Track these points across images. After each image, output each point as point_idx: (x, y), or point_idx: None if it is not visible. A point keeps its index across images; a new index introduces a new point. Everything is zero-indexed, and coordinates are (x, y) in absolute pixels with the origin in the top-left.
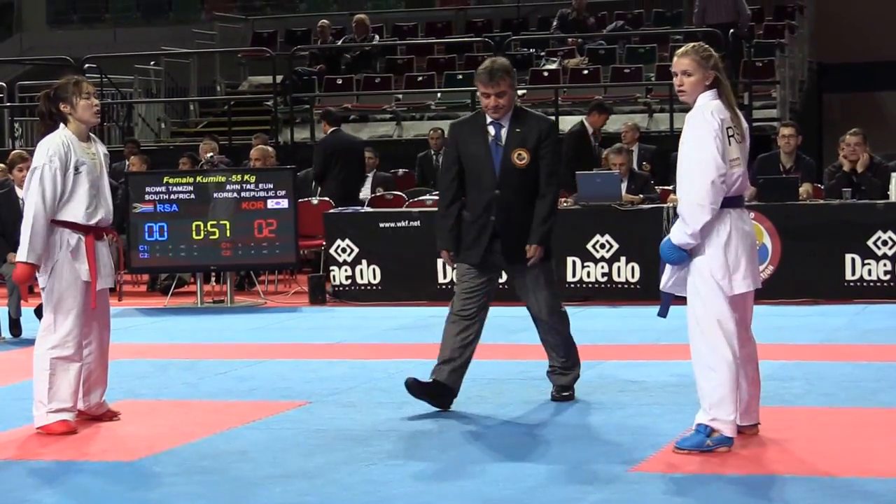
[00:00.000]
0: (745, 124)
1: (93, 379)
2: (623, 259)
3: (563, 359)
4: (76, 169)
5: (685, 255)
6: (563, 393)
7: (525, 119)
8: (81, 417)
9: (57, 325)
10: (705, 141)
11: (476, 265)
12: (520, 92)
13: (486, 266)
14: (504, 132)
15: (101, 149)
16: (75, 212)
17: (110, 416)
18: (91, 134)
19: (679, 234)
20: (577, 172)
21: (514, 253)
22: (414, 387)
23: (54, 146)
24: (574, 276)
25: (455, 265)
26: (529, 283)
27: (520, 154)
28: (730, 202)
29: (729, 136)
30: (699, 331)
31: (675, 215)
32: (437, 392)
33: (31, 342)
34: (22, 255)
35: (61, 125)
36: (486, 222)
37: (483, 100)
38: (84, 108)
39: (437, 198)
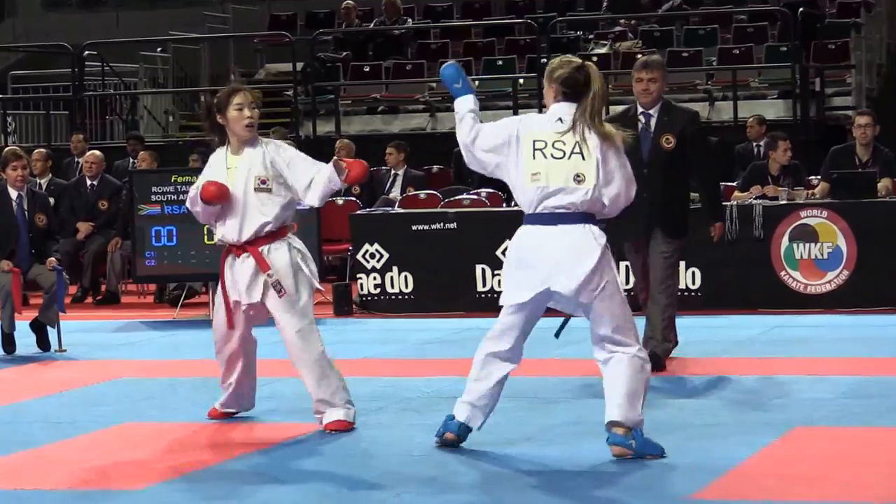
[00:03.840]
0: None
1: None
2: (682, 264)
3: (661, 332)
4: None
5: None
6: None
7: (672, 110)
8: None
9: None
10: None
11: (637, 241)
12: None
13: (644, 240)
14: (654, 121)
15: (256, 158)
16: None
17: None
18: (248, 147)
19: None
20: None
21: (657, 226)
22: None
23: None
24: (628, 283)
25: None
26: (660, 253)
27: (667, 138)
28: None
29: (535, 150)
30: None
31: (739, 214)
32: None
33: (26, 359)
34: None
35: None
36: (640, 200)
37: (636, 85)
38: (234, 121)
39: (474, 197)
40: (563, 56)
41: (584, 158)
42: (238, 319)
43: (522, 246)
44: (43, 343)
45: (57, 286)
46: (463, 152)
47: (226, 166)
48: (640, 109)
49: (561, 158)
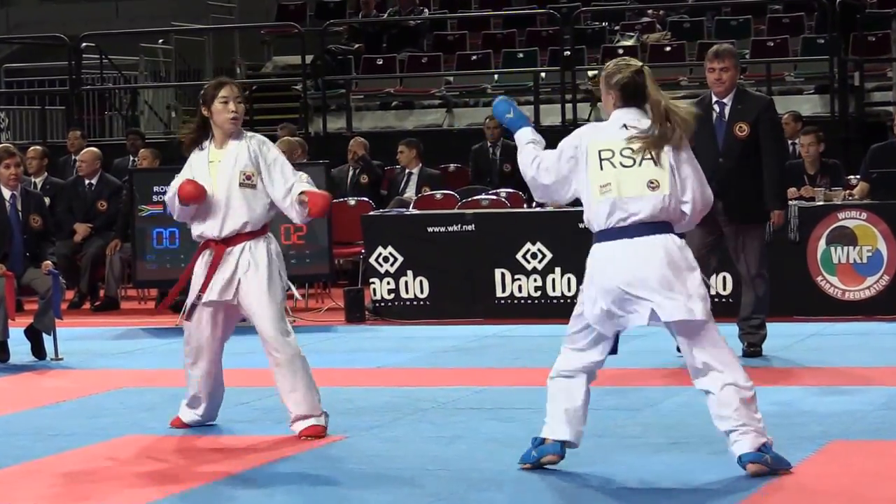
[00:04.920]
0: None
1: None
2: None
3: (755, 320)
4: None
5: None
6: (752, 349)
7: (745, 97)
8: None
9: None
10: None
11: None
12: (590, 73)
13: (711, 226)
14: (727, 109)
15: (241, 152)
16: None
17: None
18: (233, 140)
19: None
20: None
21: (734, 214)
22: None
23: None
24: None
25: None
26: (742, 242)
27: (741, 126)
28: None
29: (602, 160)
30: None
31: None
32: None
33: (20, 368)
34: None
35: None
36: (714, 189)
37: (709, 75)
38: (219, 113)
39: (493, 197)
40: (618, 59)
41: (656, 164)
42: (216, 323)
43: (601, 258)
44: (38, 351)
45: (53, 291)
46: (530, 186)
47: (208, 160)
48: (714, 99)
49: (631, 166)
